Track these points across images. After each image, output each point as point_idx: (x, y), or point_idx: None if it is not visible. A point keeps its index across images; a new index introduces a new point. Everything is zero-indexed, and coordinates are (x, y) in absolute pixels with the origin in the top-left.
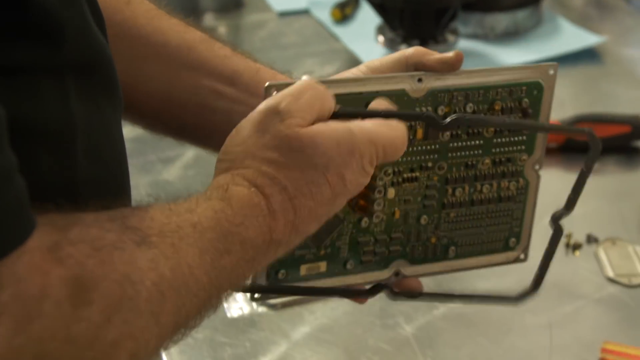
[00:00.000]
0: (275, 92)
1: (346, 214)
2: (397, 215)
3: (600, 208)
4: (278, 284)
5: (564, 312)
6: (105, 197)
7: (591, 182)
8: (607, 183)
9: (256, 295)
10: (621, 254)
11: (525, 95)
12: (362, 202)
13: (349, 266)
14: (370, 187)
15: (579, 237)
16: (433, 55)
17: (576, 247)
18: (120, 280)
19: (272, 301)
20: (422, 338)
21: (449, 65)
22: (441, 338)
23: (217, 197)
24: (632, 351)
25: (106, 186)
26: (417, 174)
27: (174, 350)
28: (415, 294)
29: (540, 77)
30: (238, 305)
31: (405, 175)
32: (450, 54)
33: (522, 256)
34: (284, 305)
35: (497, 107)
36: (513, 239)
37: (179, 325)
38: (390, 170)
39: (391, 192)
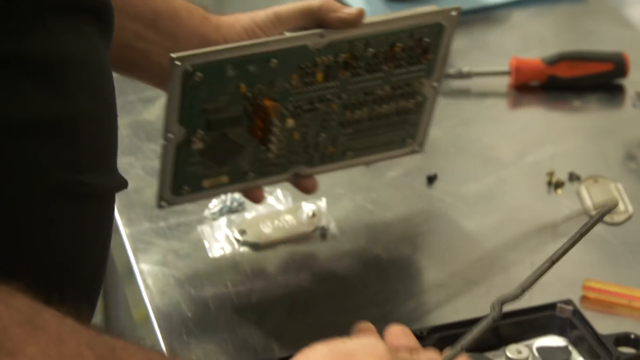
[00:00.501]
0: (178, 63)
1: (247, 140)
2: (296, 137)
3: (582, 146)
4: (181, 197)
5: (545, 250)
6: (101, 134)
7: (573, 120)
8: (589, 121)
9: (162, 203)
10: (603, 192)
11: (425, 36)
12: (259, 134)
13: (249, 177)
14: (268, 122)
15: (561, 175)
16: (337, 13)
17: (558, 185)
18: None
19: (254, 241)
20: (403, 277)
21: (351, 24)
22: (422, 277)
23: None
24: (613, 288)
25: (102, 122)
26: (317, 105)
27: (155, 290)
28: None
29: (442, 19)
30: (219, 245)
31: (305, 108)
32: (352, 12)
33: (417, 148)
34: (266, 246)
35: (397, 49)
36: (409, 139)
37: None
38: (290, 107)
39: (290, 122)
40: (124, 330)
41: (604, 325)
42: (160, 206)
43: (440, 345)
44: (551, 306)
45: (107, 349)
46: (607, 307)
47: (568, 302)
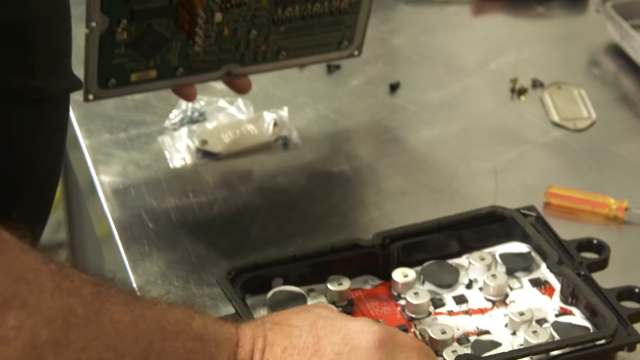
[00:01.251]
0: None
1: (174, 33)
2: (226, 32)
3: (546, 52)
4: (109, 90)
5: (509, 157)
6: (54, 39)
7: (536, 26)
8: (553, 27)
9: (90, 97)
10: (566, 98)
11: None
12: (186, 27)
13: (178, 73)
14: (194, 14)
15: (524, 81)
16: None
17: (521, 92)
18: None
19: (215, 151)
20: (367, 186)
21: None
22: (386, 186)
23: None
24: (575, 194)
25: (55, 27)
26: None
27: (116, 202)
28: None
29: None
30: (180, 155)
31: (233, 1)
32: None
33: (355, 52)
34: (227, 155)
35: None
36: (345, 42)
37: None
38: (218, 0)
39: (218, 17)
40: (89, 248)
41: (567, 231)
42: (87, 99)
43: (403, 253)
44: (492, 210)
45: (60, 265)
46: (570, 213)
47: (531, 208)
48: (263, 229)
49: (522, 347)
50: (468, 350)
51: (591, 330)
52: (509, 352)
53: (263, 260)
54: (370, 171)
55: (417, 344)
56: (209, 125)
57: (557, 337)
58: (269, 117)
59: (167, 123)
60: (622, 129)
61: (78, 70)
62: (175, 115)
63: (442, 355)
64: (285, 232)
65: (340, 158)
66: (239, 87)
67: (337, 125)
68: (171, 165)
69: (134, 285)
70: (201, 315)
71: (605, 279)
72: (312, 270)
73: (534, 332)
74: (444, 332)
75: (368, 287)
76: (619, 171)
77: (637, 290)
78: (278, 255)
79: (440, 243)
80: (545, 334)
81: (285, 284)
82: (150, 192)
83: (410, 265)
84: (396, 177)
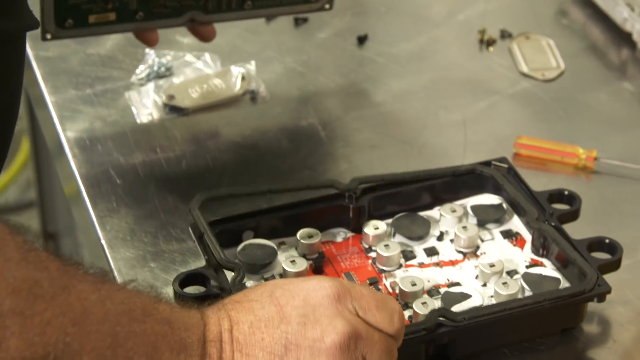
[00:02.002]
0: None
1: None
2: None
3: (514, 2)
4: (66, 30)
5: (478, 108)
6: (16, 24)
7: None
8: None
9: (48, 36)
10: (535, 48)
11: None
12: None
13: (138, 17)
14: None
15: (493, 32)
16: None
17: (490, 42)
18: None
19: (182, 106)
20: (336, 139)
21: None
22: (356, 138)
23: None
24: (544, 144)
25: (19, 17)
26: None
27: (83, 159)
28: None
29: None
30: (147, 111)
31: None
32: None
33: (327, 6)
34: (195, 110)
35: None
36: None
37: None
38: None
39: None
40: (59, 207)
41: (537, 182)
42: (44, 38)
43: (374, 205)
44: (486, 164)
45: (27, 240)
46: (539, 163)
47: (502, 160)
48: (232, 184)
49: (492, 298)
50: (438, 302)
51: (561, 281)
52: (486, 307)
53: (238, 191)
54: (339, 124)
55: (376, 295)
56: (176, 80)
57: (527, 288)
58: (236, 71)
59: (133, 78)
60: (591, 78)
61: (34, 10)
62: (141, 71)
63: (412, 307)
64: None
65: (308, 111)
66: (202, 34)
67: (305, 78)
68: (138, 121)
69: (103, 242)
70: (167, 301)
71: (575, 229)
72: (283, 223)
73: (504, 283)
74: (413, 284)
75: (339, 239)
76: (588, 121)
77: (607, 241)
78: (253, 190)
79: (411, 195)
80: (516, 286)
81: (256, 237)
82: (118, 148)
83: (382, 217)
84: (365, 129)
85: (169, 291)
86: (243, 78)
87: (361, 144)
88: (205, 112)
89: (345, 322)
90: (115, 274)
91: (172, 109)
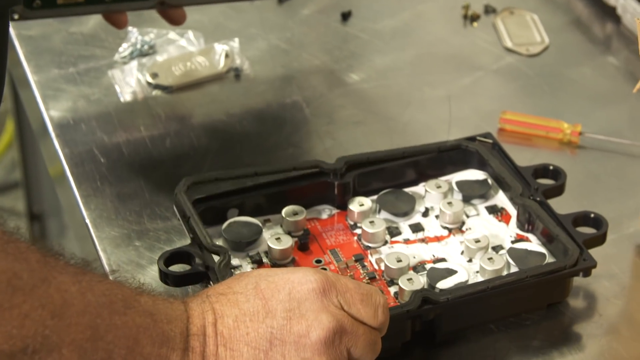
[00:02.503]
0: None
1: None
2: None
3: None
4: (34, 11)
5: (462, 84)
6: None
7: None
8: None
9: (15, 17)
10: (519, 24)
11: None
12: None
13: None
14: None
15: (477, 7)
16: None
17: (474, 18)
18: None
19: (166, 84)
20: (320, 116)
21: None
22: (340, 115)
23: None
24: (529, 119)
25: None
26: None
27: (67, 138)
28: None
29: None
30: (131, 89)
31: None
32: None
33: None
34: (179, 88)
35: None
36: None
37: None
38: None
39: None
40: (44, 188)
41: (522, 157)
42: (12, 19)
43: (359, 182)
44: (470, 140)
45: (7, 231)
46: (524, 138)
47: (487, 135)
48: (216, 162)
49: (477, 273)
50: (424, 278)
51: (547, 256)
52: (469, 285)
53: (224, 174)
54: (323, 101)
55: (360, 288)
56: (159, 58)
57: (512, 263)
58: (220, 48)
59: (116, 57)
60: (575, 53)
61: None
62: (124, 49)
63: (397, 284)
64: (238, 165)
65: (292, 88)
66: (172, 18)
67: (289, 55)
68: (122, 99)
69: (87, 221)
70: (149, 293)
71: (560, 203)
72: (268, 201)
73: (490, 259)
74: (399, 261)
75: (324, 216)
76: (572, 96)
77: (592, 215)
78: (239, 173)
79: (396, 172)
80: (501, 261)
81: (240, 214)
82: (101, 126)
83: (367, 194)
84: (349, 106)
85: (154, 270)
86: (227, 55)
87: (345, 121)
88: (189, 90)
89: (330, 317)
90: (100, 253)
91: (156, 87)
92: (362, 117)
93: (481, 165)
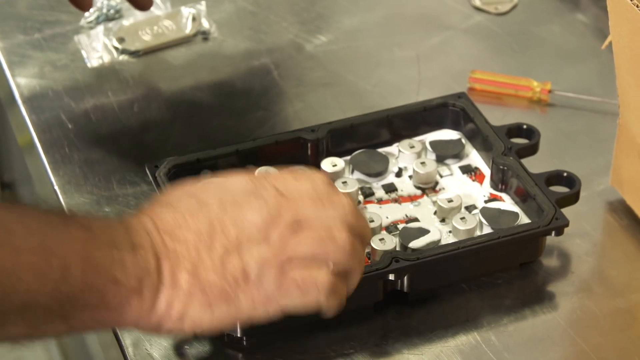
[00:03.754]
0: None
1: None
2: None
3: None
4: None
5: (431, 43)
6: None
7: None
8: None
9: None
10: None
11: None
12: None
13: None
14: None
15: None
16: None
17: None
18: None
19: (133, 48)
20: (288, 78)
21: None
22: (308, 77)
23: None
24: (499, 78)
25: None
26: None
27: (34, 104)
28: None
29: None
30: (98, 54)
31: None
32: None
33: None
34: (146, 52)
35: None
36: None
37: None
38: None
39: None
40: (13, 157)
41: (492, 116)
42: None
43: (332, 142)
44: (444, 101)
45: None
46: (494, 97)
47: (461, 95)
48: (185, 126)
49: (450, 233)
50: (396, 239)
51: (519, 216)
52: (440, 246)
53: (205, 155)
54: (292, 63)
55: (294, 169)
56: (126, 22)
57: (485, 223)
58: (187, 11)
59: (82, 22)
60: (544, 11)
61: None
62: (90, 14)
63: (369, 244)
64: (207, 129)
65: (260, 51)
66: (137, 2)
67: (256, 17)
68: (89, 65)
69: (55, 187)
70: (81, 214)
71: (531, 162)
72: (241, 161)
73: (462, 218)
74: (371, 221)
75: None
76: (541, 54)
77: (565, 174)
78: (221, 152)
79: (370, 132)
80: (474, 221)
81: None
82: (68, 92)
83: (340, 154)
84: (317, 68)
85: None
86: (194, 19)
87: (314, 83)
88: (157, 54)
89: (262, 199)
90: None
91: (123, 51)
92: (331, 79)
93: (455, 125)
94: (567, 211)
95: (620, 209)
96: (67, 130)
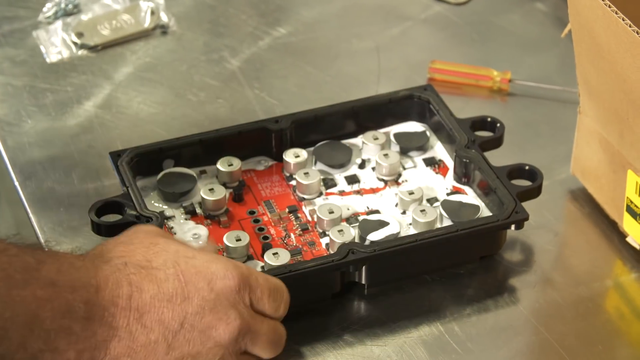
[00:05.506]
0: None
1: None
2: None
3: None
4: None
5: (390, 34)
6: None
7: None
8: None
9: None
10: None
11: None
12: None
13: None
14: None
15: None
16: None
17: None
18: None
19: (92, 43)
20: (248, 70)
21: None
22: (268, 69)
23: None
24: (459, 68)
25: None
26: None
27: None
28: None
29: None
30: (57, 49)
31: None
32: None
33: None
34: (105, 47)
35: None
36: None
37: None
38: None
39: None
40: None
41: (453, 106)
42: None
43: (297, 133)
44: (409, 93)
45: None
46: (455, 88)
47: (427, 87)
48: (146, 119)
49: (410, 225)
50: (355, 230)
51: (480, 209)
52: (398, 238)
53: (168, 144)
54: (251, 55)
55: (269, 283)
56: (84, 17)
57: (445, 215)
58: (145, 5)
59: (41, 17)
60: (503, 0)
61: None
62: (48, 9)
63: (328, 235)
64: (169, 121)
65: (220, 44)
66: None
67: (215, 11)
68: (48, 60)
69: (16, 183)
70: (54, 259)
71: (492, 151)
72: (205, 152)
73: (422, 211)
74: (331, 212)
75: (261, 168)
76: (501, 43)
77: (527, 167)
78: (184, 141)
79: (334, 123)
80: (434, 213)
81: (176, 165)
82: (27, 88)
83: (305, 145)
84: (277, 60)
85: (87, 231)
86: (152, 12)
87: (274, 75)
88: (116, 48)
89: (239, 316)
90: (31, 215)
91: (82, 46)
92: (291, 71)
93: (421, 118)
94: (528, 201)
95: (582, 197)
96: (27, 125)
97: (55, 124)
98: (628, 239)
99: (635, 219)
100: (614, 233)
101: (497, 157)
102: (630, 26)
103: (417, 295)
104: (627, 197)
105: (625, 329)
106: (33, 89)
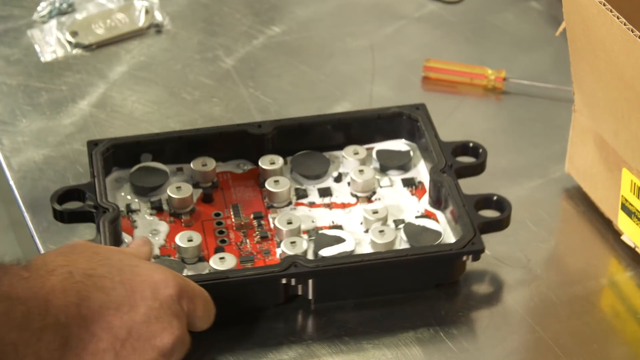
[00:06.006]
0: None
1: None
2: None
3: None
4: None
5: (385, 33)
6: None
7: None
8: None
9: None
10: None
11: None
12: None
13: None
14: None
15: None
16: None
17: None
18: None
19: (87, 42)
20: (242, 69)
21: None
22: (262, 68)
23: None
24: (453, 67)
25: None
26: None
27: None
28: None
29: None
30: (51, 49)
31: None
32: None
33: None
34: (99, 46)
35: None
36: None
37: None
38: None
39: None
40: None
41: (447, 104)
42: None
43: (279, 140)
44: (399, 111)
45: None
46: (449, 86)
47: (419, 106)
48: (140, 119)
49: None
50: (310, 243)
51: (442, 235)
52: (345, 256)
53: (146, 138)
54: (245, 54)
55: (203, 294)
56: (79, 16)
57: (405, 239)
58: (139, 4)
59: (35, 16)
60: None
61: None
62: (43, 8)
63: (280, 246)
64: (162, 120)
65: (214, 43)
66: None
67: (209, 10)
68: (42, 59)
69: (11, 182)
70: (8, 273)
71: (489, 150)
72: (184, 149)
73: (381, 231)
74: (289, 223)
75: (239, 171)
76: (496, 42)
77: (495, 198)
78: (163, 137)
79: (319, 134)
80: (392, 235)
81: (154, 160)
82: (22, 87)
83: (286, 153)
84: (271, 58)
85: (80, 227)
86: (147, 12)
87: (268, 74)
88: (110, 47)
89: (180, 324)
90: (25, 214)
91: (76, 45)
92: (285, 70)
93: (410, 136)
94: (524, 198)
95: (577, 195)
96: (22, 124)
97: (50, 123)
98: (623, 237)
99: (630, 217)
100: (609, 231)
101: (492, 155)
102: (624, 24)
103: (412, 294)
104: (622, 196)
105: (620, 327)
106: (27, 88)
